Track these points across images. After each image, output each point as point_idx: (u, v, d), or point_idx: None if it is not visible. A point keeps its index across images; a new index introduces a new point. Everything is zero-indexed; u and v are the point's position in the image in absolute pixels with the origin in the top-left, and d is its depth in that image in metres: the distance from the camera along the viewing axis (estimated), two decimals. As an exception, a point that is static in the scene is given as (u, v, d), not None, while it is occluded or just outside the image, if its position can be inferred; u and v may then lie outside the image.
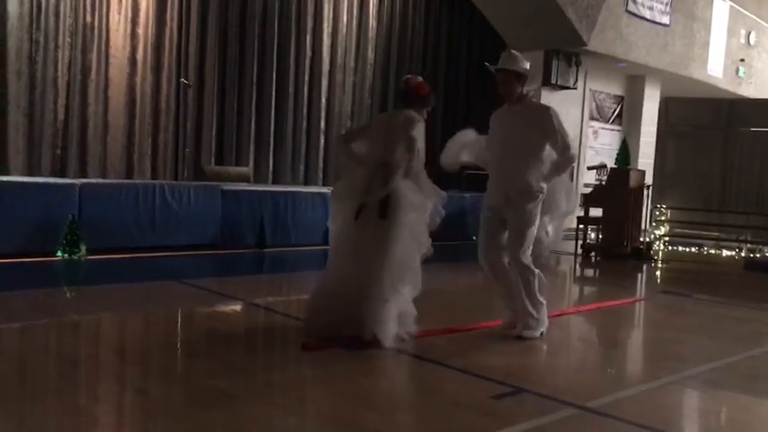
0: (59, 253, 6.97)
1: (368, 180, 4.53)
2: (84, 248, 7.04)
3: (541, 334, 5.02)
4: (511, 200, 4.88)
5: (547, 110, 4.99)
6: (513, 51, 5.07)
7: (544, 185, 4.93)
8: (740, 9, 15.07)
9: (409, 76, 5.00)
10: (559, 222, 7.56)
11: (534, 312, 4.95)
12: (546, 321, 5.08)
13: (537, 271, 4.95)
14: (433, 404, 3.51)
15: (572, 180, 9.22)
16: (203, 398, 3.36)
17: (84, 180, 7.84)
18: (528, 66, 4.99)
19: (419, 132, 4.61)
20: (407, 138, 4.54)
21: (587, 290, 8.49)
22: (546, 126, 4.88)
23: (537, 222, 4.96)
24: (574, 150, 4.97)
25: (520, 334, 4.96)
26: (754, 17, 15.64)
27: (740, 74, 15.46)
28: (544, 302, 5.03)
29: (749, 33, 15.62)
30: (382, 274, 4.37)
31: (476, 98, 13.34)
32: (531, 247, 4.95)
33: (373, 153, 4.66)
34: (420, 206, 4.61)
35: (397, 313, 4.47)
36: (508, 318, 5.12)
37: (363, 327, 4.31)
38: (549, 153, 5.00)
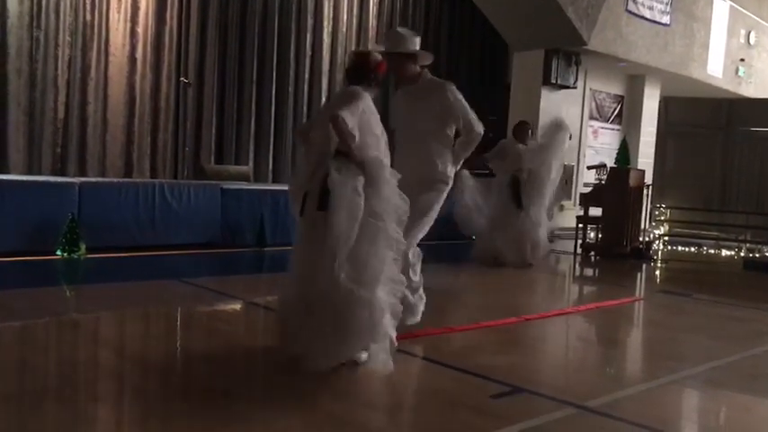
0: (59, 252, 6.96)
1: (312, 169, 3.89)
2: (83, 247, 7.03)
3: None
4: (415, 191, 4.22)
5: (443, 85, 4.61)
6: (398, 30, 4.68)
7: (450, 171, 4.56)
8: (740, 9, 15.06)
9: (363, 50, 4.46)
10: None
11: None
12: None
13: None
14: (432, 404, 3.51)
15: (568, 181, 9.36)
16: (203, 397, 3.36)
17: (83, 179, 7.84)
18: (416, 42, 4.57)
19: (356, 109, 3.78)
20: (333, 114, 3.72)
21: (587, 289, 8.49)
22: (444, 103, 4.53)
23: (434, 215, 4.54)
24: (479, 128, 4.58)
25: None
26: (754, 17, 15.64)
27: (740, 73, 15.45)
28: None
29: (749, 33, 15.62)
30: (337, 279, 3.69)
31: (476, 96, 13.32)
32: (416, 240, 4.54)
33: (317, 140, 4.00)
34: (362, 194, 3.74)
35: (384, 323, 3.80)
36: None
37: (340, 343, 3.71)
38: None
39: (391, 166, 3.94)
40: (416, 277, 4.66)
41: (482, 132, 4.63)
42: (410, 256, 4.54)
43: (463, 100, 4.57)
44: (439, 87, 4.60)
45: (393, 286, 3.86)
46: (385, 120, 4.07)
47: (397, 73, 4.63)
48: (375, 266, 3.75)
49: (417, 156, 4.53)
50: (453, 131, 4.60)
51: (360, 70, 4.02)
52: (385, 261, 3.80)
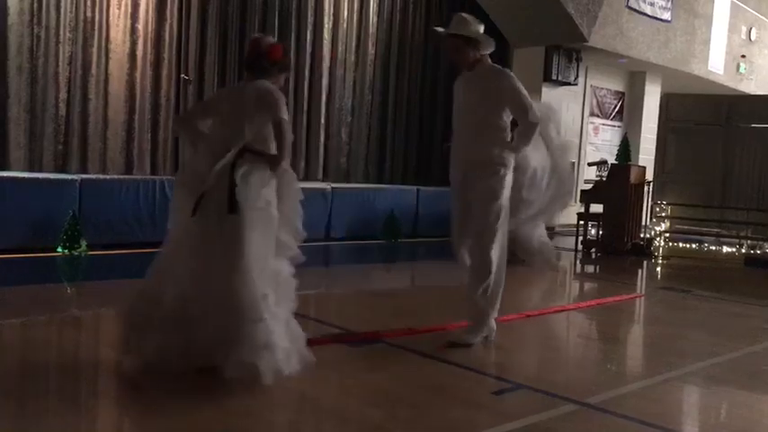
0: (60, 248, 6.97)
1: (212, 167, 3.57)
2: (84, 244, 7.03)
3: (486, 338, 4.56)
4: (474, 176, 4.42)
5: (502, 72, 4.59)
6: (462, 15, 4.61)
7: (509, 157, 4.50)
8: (741, 5, 15.05)
9: (257, 35, 4.16)
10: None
11: (481, 311, 4.48)
12: (492, 326, 4.59)
13: (495, 270, 4.44)
14: (433, 400, 3.52)
15: (572, 177, 9.20)
16: (203, 394, 3.36)
17: (84, 176, 7.84)
18: (480, 29, 4.55)
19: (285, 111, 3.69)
20: (277, 119, 3.63)
21: (587, 286, 8.50)
22: (502, 90, 4.48)
23: (504, 202, 4.46)
24: (534, 116, 4.49)
25: (454, 340, 4.47)
26: (754, 13, 15.62)
27: (741, 70, 15.44)
28: (495, 306, 4.55)
29: (750, 29, 15.60)
30: (239, 286, 3.45)
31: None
32: (499, 235, 4.44)
33: (219, 135, 3.74)
34: (275, 201, 3.64)
35: (277, 337, 3.49)
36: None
37: (225, 357, 3.39)
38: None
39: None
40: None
41: (537, 122, 4.55)
42: (495, 254, 4.43)
43: (522, 89, 4.50)
44: (498, 74, 4.57)
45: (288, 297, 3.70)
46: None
47: (454, 57, 4.59)
48: (274, 275, 3.62)
49: (474, 141, 4.49)
50: (510, 118, 4.54)
51: (253, 58, 3.82)
52: (281, 273, 3.67)
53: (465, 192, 4.51)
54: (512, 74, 4.60)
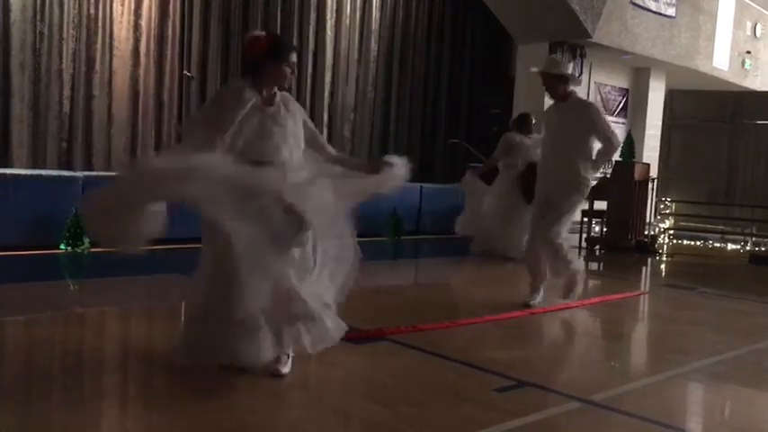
0: (62, 246, 6.97)
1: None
2: (87, 241, 7.03)
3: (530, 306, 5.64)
4: (559, 192, 5.48)
5: (588, 106, 5.71)
6: (553, 56, 5.93)
7: (590, 175, 5.50)
8: (746, 0, 14.98)
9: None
10: None
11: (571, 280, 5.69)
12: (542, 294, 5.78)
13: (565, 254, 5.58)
14: (437, 397, 3.51)
15: None
16: (208, 391, 3.36)
17: (87, 173, 7.84)
18: (568, 68, 5.66)
19: (218, 103, 3.56)
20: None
21: (591, 283, 8.47)
22: (588, 120, 5.46)
23: (575, 212, 5.63)
24: (615, 140, 5.54)
25: (527, 301, 5.69)
26: (760, 8, 15.54)
27: (746, 66, 15.37)
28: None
29: (755, 25, 15.52)
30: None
31: (480, 89, 13.30)
32: (564, 233, 5.58)
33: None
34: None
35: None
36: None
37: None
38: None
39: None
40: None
41: (618, 145, 5.67)
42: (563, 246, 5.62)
43: (604, 118, 5.63)
44: (584, 106, 5.64)
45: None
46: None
47: (548, 90, 5.61)
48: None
49: (563, 162, 5.46)
50: (593, 143, 5.52)
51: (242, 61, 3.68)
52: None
53: (549, 202, 5.54)
54: (596, 106, 5.81)
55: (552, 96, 5.62)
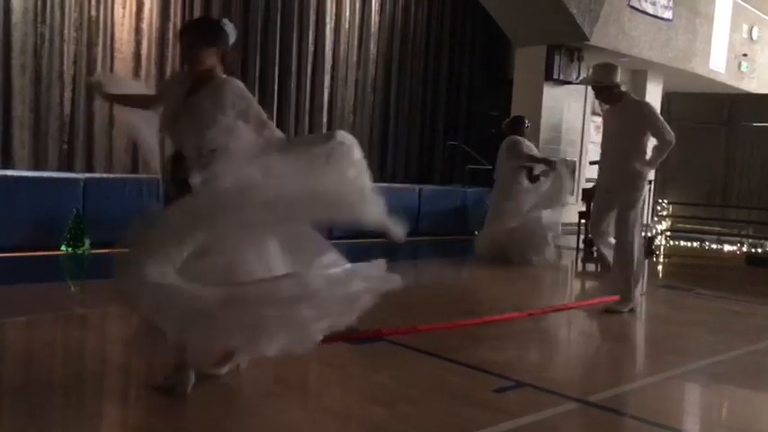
0: (63, 247, 7.00)
1: None
2: (87, 243, 7.06)
3: (631, 310, 5.85)
4: (618, 187, 5.75)
5: (643, 104, 5.97)
6: (598, 66, 5.96)
7: (647, 170, 5.76)
8: (743, 3, 15.03)
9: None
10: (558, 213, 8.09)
11: (626, 288, 5.79)
12: (638, 300, 5.95)
13: (635, 258, 5.71)
14: (435, 398, 3.54)
15: (574, 175, 9.32)
16: (208, 392, 3.38)
17: (88, 174, 7.87)
18: (615, 76, 5.78)
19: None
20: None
21: (589, 284, 8.51)
22: (642, 118, 5.72)
23: (641, 205, 5.77)
24: (670, 135, 5.69)
25: (608, 308, 5.82)
26: (756, 11, 15.59)
27: (743, 69, 15.42)
28: (638, 283, 5.89)
29: (752, 28, 15.57)
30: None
31: (479, 92, 13.34)
32: (636, 228, 5.73)
33: None
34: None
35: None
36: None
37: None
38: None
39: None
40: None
41: (673, 140, 5.71)
42: (635, 247, 5.75)
43: (658, 115, 5.82)
44: (638, 106, 5.90)
45: None
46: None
47: (599, 98, 6.10)
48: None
49: (620, 159, 5.73)
50: (648, 139, 5.78)
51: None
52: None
53: (610, 199, 5.85)
54: (649, 104, 5.99)
55: (605, 102, 6.04)
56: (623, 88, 5.91)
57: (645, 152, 5.82)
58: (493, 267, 8.18)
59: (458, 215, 10.95)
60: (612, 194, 5.86)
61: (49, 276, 6.31)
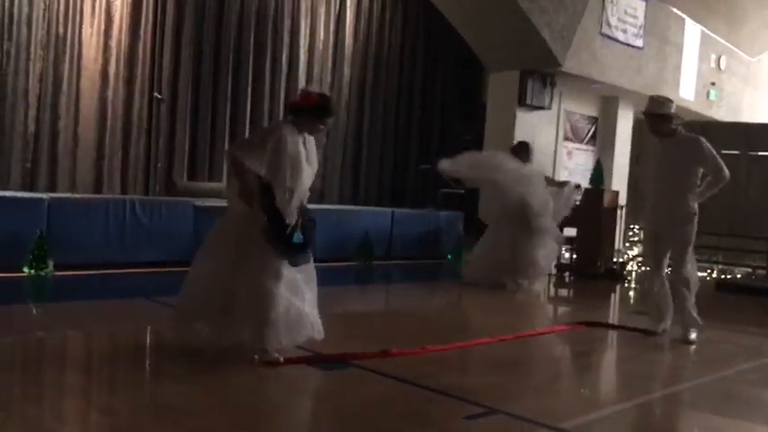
0: (26, 269, 6.81)
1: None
2: (51, 264, 6.89)
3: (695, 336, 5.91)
4: (672, 224, 5.74)
5: (698, 140, 5.80)
6: (655, 97, 6.02)
7: (696, 207, 5.74)
8: (711, 34, 15.31)
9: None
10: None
11: (697, 318, 5.85)
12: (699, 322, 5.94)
13: (693, 289, 5.82)
14: (406, 425, 3.46)
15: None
16: (171, 417, 3.27)
17: (52, 195, 7.70)
18: (670, 108, 5.85)
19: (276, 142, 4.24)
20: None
21: (561, 310, 8.49)
22: (698, 154, 5.74)
23: (693, 242, 5.77)
24: (725, 172, 5.70)
25: (686, 339, 5.85)
26: (724, 42, 15.90)
27: (711, 97, 15.68)
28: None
29: (719, 58, 15.87)
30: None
31: (451, 116, 13.38)
32: (690, 263, 5.79)
33: None
34: None
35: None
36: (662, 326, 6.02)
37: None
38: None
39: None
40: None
41: (728, 176, 5.73)
42: (693, 278, 5.87)
43: (713, 150, 5.78)
44: (695, 142, 5.81)
45: None
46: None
47: (651, 129, 5.96)
48: None
49: (673, 195, 5.77)
50: (700, 175, 5.79)
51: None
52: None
53: (664, 237, 5.83)
54: (704, 140, 5.81)
55: (655, 134, 5.95)
56: (675, 125, 5.88)
57: (697, 187, 5.82)
58: (463, 292, 8.13)
59: (431, 239, 10.91)
60: (668, 234, 5.82)
61: (11, 299, 6.11)
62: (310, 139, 4.47)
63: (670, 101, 5.99)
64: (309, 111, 4.35)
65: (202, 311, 4.33)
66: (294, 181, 4.21)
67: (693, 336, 5.94)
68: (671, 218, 5.77)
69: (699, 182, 5.83)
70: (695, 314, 5.90)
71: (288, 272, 4.29)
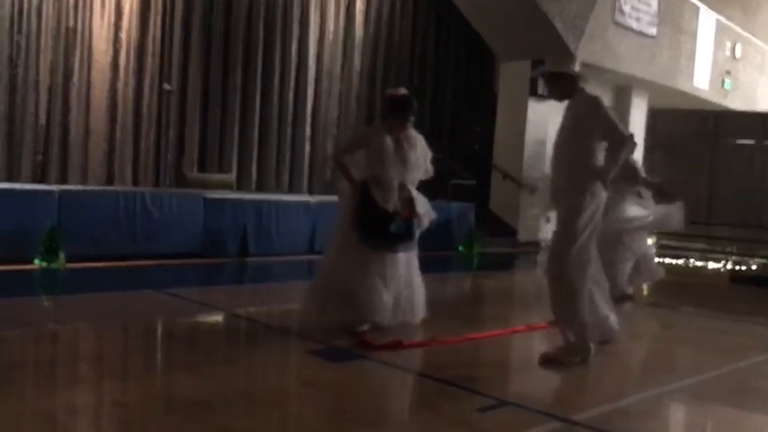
0: (37, 261, 6.82)
1: None
2: (62, 257, 6.90)
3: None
4: (560, 208, 4.62)
5: (595, 99, 4.72)
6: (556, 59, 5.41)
7: (600, 192, 4.54)
8: (726, 22, 15.15)
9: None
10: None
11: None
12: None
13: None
14: (419, 417, 3.44)
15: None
16: (182, 409, 3.27)
17: (63, 187, 7.71)
18: (567, 66, 4.91)
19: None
20: None
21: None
22: (591, 113, 4.60)
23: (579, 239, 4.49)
24: (622, 131, 4.55)
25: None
26: (739, 30, 15.74)
27: (726, 86, 15.53)
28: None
29: (735, 46, 15.71)
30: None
31: (462, 106, 13.31)
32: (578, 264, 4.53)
33: None
34: None
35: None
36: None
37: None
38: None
39: None
40: None
41: (628, 136, 4.62)
42: None
43: (611, 111, 4.69)
44: (590, 100, 4.74)
45: None
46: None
47: (548, 92, 5.54)
48: None
49: (568, 167, 4.69)
50: (600, 146, 4.66)
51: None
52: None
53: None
54: (601, 99, 4.77)
55: (551, 95, 5.23)
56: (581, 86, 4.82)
57: (594, 161, 4.65)
58: (477, 283, 8.09)
59: (442, 230, 10.85)
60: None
61: (22, 291, 6.13)
62: (408, 138, 5.28)
63: (572, 60, 5.11)
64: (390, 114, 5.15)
65: (330, 292, 4.91)
66: (385, 173, 5.02)
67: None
68: (559, 199, 4.65)
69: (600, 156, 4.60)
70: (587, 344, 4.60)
71: (390, 258, 4.94)
